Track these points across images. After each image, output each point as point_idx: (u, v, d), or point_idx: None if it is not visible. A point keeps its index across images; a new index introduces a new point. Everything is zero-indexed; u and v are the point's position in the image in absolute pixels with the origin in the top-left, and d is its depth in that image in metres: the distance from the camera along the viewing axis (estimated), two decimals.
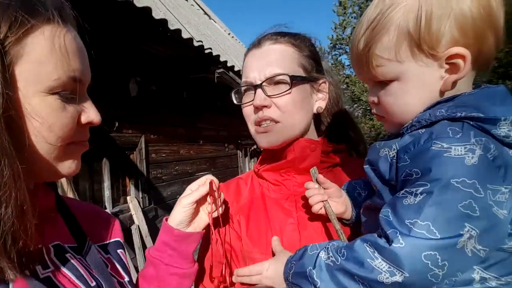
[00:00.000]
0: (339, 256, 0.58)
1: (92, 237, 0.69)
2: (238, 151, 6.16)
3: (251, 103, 0.82)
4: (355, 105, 16.55)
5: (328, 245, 0.63)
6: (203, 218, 0.81)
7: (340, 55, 16.49)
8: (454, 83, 0.58)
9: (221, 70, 3.74)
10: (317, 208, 0.77)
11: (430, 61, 0.56)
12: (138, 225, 3.28)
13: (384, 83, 0.62)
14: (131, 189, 3.40)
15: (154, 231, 3.38)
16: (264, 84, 0.80)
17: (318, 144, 0.84)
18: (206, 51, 3.39)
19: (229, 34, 8.64)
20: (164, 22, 2.67)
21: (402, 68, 0.58)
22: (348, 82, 15.49)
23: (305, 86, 0.83)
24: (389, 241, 0.52)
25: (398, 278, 0.51)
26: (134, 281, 0.76)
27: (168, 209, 3.91)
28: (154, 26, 2.72)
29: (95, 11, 2.20)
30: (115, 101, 3.09)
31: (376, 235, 0.56)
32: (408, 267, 0.50)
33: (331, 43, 16.27)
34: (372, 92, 0.65)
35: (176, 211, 0.78)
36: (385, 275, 0.52)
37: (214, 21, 8.00)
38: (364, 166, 0.68)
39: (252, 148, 6.73)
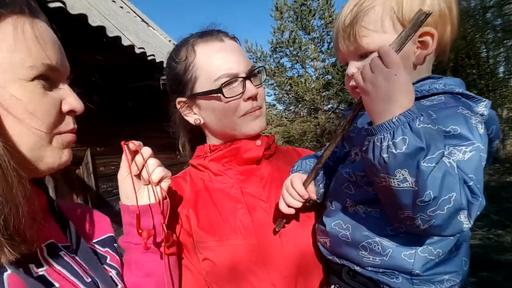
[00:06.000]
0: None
1: (85, 234, 0.70)
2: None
3: (240, 95, 0.85)
4: (300, 105, 17.21)
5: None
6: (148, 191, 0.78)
7: (281, 58, 17.04)
8: (424, 59, 0.71)
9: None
10: (288, 211, 0.81)
11: None
12: None
13: (365, 56, 0.72)
14: None
15: None
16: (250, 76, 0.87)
17: (264, 140, 0.93)
18: (149, 58, 3.34)
19: (169, 41, 8.50)
20: (102, 29, 2.60)
21: (385, 38, 0.68)
22: (291, 83, 16.06)
23: None
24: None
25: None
26: None
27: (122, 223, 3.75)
28: (91, 34, 2.63)
29: None
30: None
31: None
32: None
33: (271, 47, 16.77)
34: (352, 66, 0.75)
35: (120, 188, 0.77)
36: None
37: (153, 28, 7.83)
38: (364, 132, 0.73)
39: None
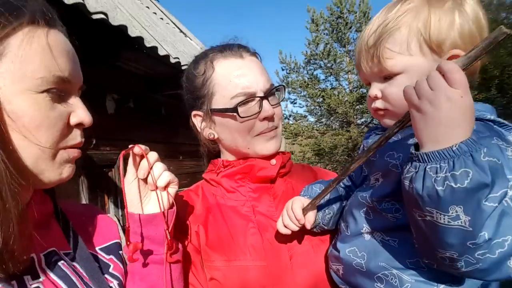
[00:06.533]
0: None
1: (90, 240, 0.68)
2: None
3: (256, 115, 0.84)
4: (332, 117, 16.92)
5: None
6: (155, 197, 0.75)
7: (315, 70, 16.92)
8: None
9: None
10: (284, 230, 0.80)
11: (436, 57, 0.64)
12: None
13: (389, 77, 0.68)
14: (110, 207, 3.34)
15: None
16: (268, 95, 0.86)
17: (279, 158, 0.91)
18: (183, 67, 3.45)
19: None
20: (140, 39, 2.72)
21: (411, 61, 0.65)
22: (324, 96, 15.86)
23: None
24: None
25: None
26: None
27: None
28: (130, 43, 2.77)
29: (70, 28, 2.23)
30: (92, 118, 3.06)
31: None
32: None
33: (305, 59, 16.71)
34: (375, 87, 0.72)
35: (126, 194, 0.74)
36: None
37: (190, 39, 8.10)
38: (389, 154, 0.70)
39: None
